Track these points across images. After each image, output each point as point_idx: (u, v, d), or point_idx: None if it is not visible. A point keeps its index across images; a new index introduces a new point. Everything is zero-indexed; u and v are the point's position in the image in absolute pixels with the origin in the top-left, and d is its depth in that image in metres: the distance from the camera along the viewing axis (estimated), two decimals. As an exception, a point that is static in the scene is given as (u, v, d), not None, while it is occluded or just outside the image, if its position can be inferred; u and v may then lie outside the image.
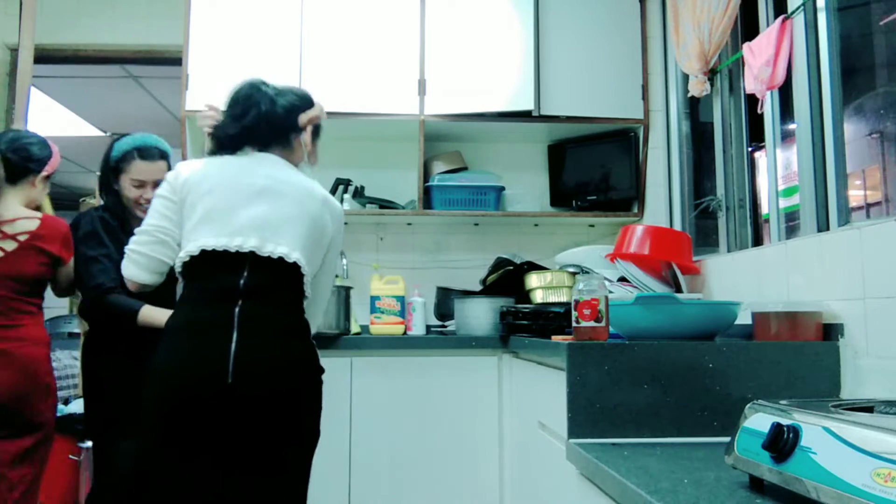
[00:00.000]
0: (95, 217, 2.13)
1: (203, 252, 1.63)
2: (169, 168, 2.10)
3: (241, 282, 1.61)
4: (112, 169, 2.15)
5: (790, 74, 1.90)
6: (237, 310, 1.59)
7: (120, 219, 2.14)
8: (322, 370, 1.72)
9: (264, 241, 1.64)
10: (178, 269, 1.68)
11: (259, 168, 1.74)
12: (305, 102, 1.85)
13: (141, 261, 1.70)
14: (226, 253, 1.62)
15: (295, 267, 1.66)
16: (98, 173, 2.23)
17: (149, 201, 1.98)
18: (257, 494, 1.58)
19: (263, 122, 1.75)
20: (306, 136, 1.85)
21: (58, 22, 3.17)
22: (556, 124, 2.89)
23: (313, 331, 1.82)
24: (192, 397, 1.54)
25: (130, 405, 1.76)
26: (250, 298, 1.61)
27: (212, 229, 1.64)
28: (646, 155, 2.86)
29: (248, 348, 1.57)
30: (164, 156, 2.17)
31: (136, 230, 1.74)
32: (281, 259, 1.64)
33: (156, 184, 2.02)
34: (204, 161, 1.77)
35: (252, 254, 1.63)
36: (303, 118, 1.83)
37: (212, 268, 1.63)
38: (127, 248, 1.74)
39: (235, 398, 1.55)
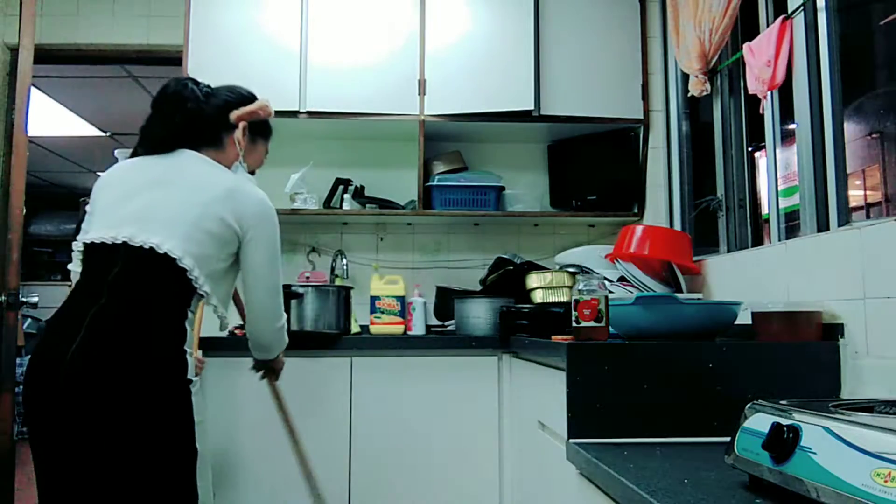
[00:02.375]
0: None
1: (87, 246, 1.58)
2: None
3: (111, 275, 1.51)
4: None
5: (790, 74, 1.90)
6: (96, 306, 1.48)
7: None
8: (186, 381, 1.51)
9: (140, 231, 1.53)
10: (79, 261, 1.62)
11: (164, 161, 1.64)
12: (241, 99, 1.77)
13: (75, 278, 1.66)
14: (104, 245, 1.54)
15: (168, 259, 1.51)
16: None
17: None
18: None
19: (191, 120, 1.67)
20: (238, 134, 1.74)
21: (58, 22, 3.17)
22: (556, 124, 2.88)
23: (262, 338, 1.76)
24: (34, 404, 1.47)
25: None
26: (115, 295, 1.49)
27: (99, 223, 1.59)
28: (646, 155, 2.86)
29: (87, 352, 1.43)
30: None
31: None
32: (152, 250, 1.51)
33: None
34: (125, 162, 1.71)
35: (125, 245, 1.52)
36: (233, 115, 1.74)
37: (93, 262, 1.57)
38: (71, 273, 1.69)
39: (66, 406, 1.43)
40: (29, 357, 1.53)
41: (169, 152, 1.67)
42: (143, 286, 1.51)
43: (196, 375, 1.57)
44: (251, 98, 1.81)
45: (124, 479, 1.45)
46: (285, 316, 1.80)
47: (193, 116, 1.67)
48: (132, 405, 1.44)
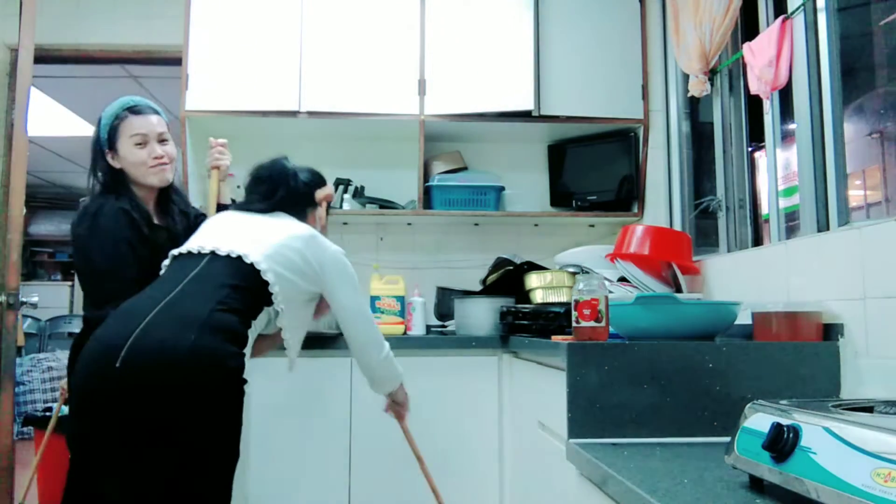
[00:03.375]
0: (119, 212, 1.88)
1: (173, 258, 1.74)
2: (166, 123, 2.02)
3: (191, 274, 1.62)
4: (107, 139, 1.96)
5: (790, 74, 1.90)
6: (165, 300, 1.54)
7: (138, 210, 1.93)
8: (242, 380, 1.54)
9: (227, 245, 1.68)
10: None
11: (259, 215, 1.87)
12: (321, 180, 2.03)
13: None
14: (189, 254, 1.70)
15: (253, 270, 1.64)
16: (90, 157, 2.00)
17: (160, 158, 1.96)
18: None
19: (289, 195, 1.91)
20: (321, 212, 2.00)
21: (58, 22, 3.17)
22: (556, 124, 2.89)
23: (373, 371, 1.90)
24: (88, 384, 1.48)
25: None
26: (189, 288, 1.58)
27: (188, 242, 1.77)
28: (646, 155, 2.86)
29: (150, 334, 1.45)
30: (155, 111, 2.03)
31: None
32: (240, 258, 1.65)
33: (160, 139, 1.97)
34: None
35: (212, 253, 1.67)
36: (319, 195, 2.00)
37: (173, 268, 1.71)
38: None
39: (120, 387, 1.42)
40: (86, 344, 1.53)
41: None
42: (221, 287, 1.59)
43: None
44: (324, 178, 2.06)
45: (166, 466, 1.44)
46: (388, 345, 1.92)
47: (292, 192, 1.92)
48: (185, 394, 1.44)
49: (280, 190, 1.91)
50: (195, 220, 2.10)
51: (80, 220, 1.88)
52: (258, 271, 1.64)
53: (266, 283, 1.65)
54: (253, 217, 1.85)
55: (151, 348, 1.44)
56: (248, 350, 1.63)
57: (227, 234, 1.75)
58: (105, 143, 1.97)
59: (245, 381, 1.55)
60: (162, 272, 1.75)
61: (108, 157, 1.97)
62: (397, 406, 2.10)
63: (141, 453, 1.44)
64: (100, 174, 1.97)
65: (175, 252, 1.74)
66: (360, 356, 1.90)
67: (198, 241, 1.74)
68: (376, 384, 1.97)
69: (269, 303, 1.67)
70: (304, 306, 1.82)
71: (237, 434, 1.53)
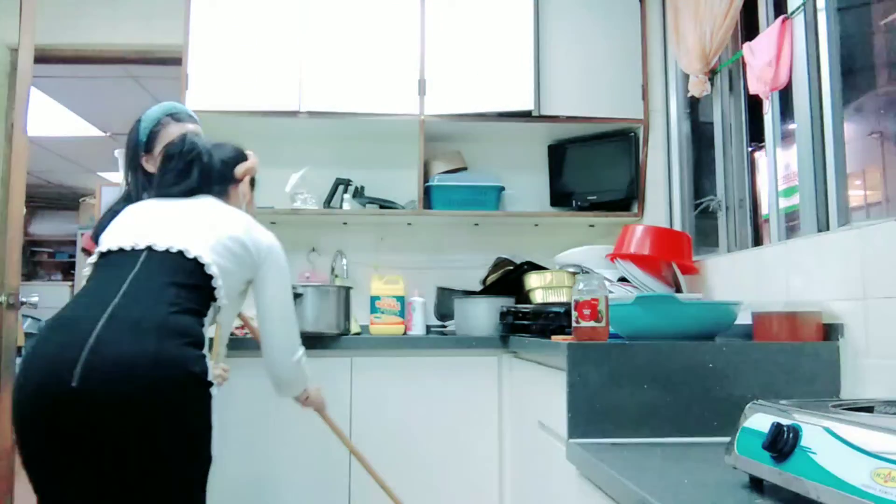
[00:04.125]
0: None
1: (101, 255, 1.58)
2: (201, 132, 2.03)
3: (130, 275, 1.49)
4: (145, 142, 1.97)
5: (790, 74, 1.90)
6: (111, 305, 1.42)
7: None
8: (208, 383, 1.45)
9: (165, 238, 1.55)
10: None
11: (184, 201, 1.73)
12: (240, 154, 1.90)
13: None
14: (121, 251, 1.55)
15: (198, 265, 1.52)
16: (124, 154, 2.02)
17: None
18: None
19: (204, 174, 1.78)
20: (244, 188, 1.89)
21: (58, 22, 3.17)
22: (556, 124, 2.89)
23: (281, 373, 1.77)
24: (39, 404, 1.36)
25: None
26: (133, 293, 1.45)
27: (118, 234, 1.61)
28: (646, 155, 2.86)
29: (105, 345, 1.35)
30: (194, 120, 2.05)
31: None
32: (181, 253, 1.52)
33: None
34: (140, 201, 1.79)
35: (149, 249, 1.54)
36: (239, 170, 1.86)
37: (107, 266, 1.56)
38: None
39: (79, 406, 1.33)
40: (24, 358, 1.42)
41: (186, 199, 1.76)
42: (166, 286, 1.48)
43: (218, 385, 1.55)
44: (244, 153, 1.92)
45: (138, 481, 1.39)
46: (303, 349, 1.82)
47: (206, 170, 1.79)
48: (155, 403, 1.37)
49: (194, 168, 1.77)
50: None
51: (103, 223, 1.84)
52: (202, 265, 1.53)
53: (210, 278, 1.54)
54: (177, 203, 1.71)
55: (110, 361, 1.34)
56: (206, 350, 1.52)
57: (158, 225, 1.61)
58: (143, 146, 1.97)
59: (211, 384, 1.47)
60: (87, 271, 1.59)
61: (143, 160, 1.97)
62: (314, 406, 2.06)
63: (111, 470, 1.37)
64: (131, 176, 1.98)
65: (102, 249, 1.58)
66: (271, 355, 1.76)
67: (128, 237, 1.58)
68: (281, 387, 1.85)
69: (214, 298, 1.56)
70: (239, 298, 1.73)
71: (208, 439, 1.48)
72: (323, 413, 2.11)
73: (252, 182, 1.95)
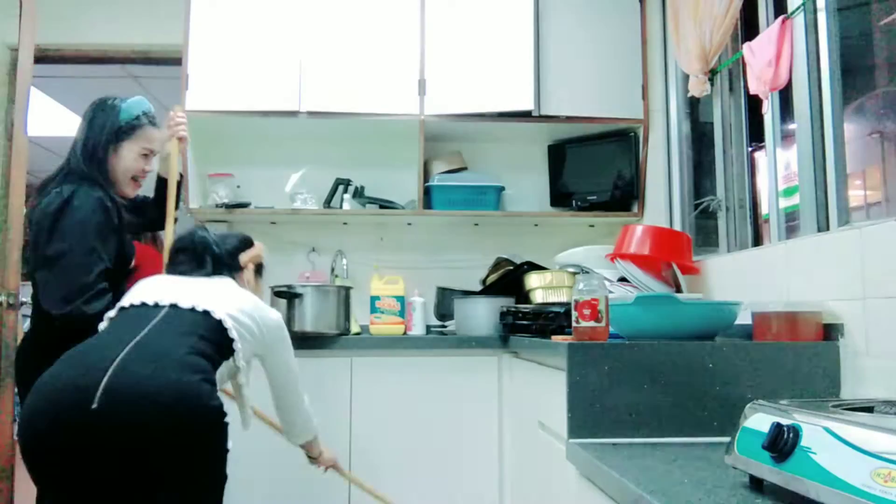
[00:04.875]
0: (96, 201, 1.84)
1: (121, 309, 1.66)
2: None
3: (154, 320, 1.56)
4: (116, 132, 1.94)
5: (790, 74, 1.90)
6: (133, 341, 1.47)
7: (114, 204, 1.90)
8: (223, 414, 1.50)
9: (189, 298, 1.63)
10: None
11: (198, 277, 1.82)
12: (245, 243, 1.99)
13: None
14: (144, 306, 1.63)
15: (220, 326, 1.60)
16: (86, 127, 1.97)
17: (144, 175, 2.01)
18: None
19: (214, 262, 1.85)
20: (248, 275, 1.98)
21: (58, 22, 3.17)
22: (556, 124, 2.89)
23: (295, 418, 1.93)
24: (56, 427, 1.38)
25: None
26: (156, 332, 1.53)
27: (135, 294, 1.68)
28: (646, 155, 2.86)
29: (127, 371, 1.40)
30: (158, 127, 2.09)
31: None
32: (206, 313, 1.61)
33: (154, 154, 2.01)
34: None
35: (172, 305, 1.62)
36: (243, 258, 1.95)
37: (126, 317, 1.62)
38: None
39: (99, 429, 1.35)
40: (37, 384, 1.43)
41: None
42: (186, 332, 1.55)
43: None
44: (251, 241, 2.02)
45: (161, 499, 1.44)
46: (307, 398, 1.96)
47: (217, 258, 1.87)
48: (171, 433, 1.40)
49: (207, 258, 1.85)
50: (141, 203, 2.15)
51: (56, 204, 1.79)
52: (224, 328, 1.61)
53: (231, 340, 1.61)
54: (196, 279, 1.79)
55: (130, 386, 1.38)
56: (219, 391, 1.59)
57: (180, 291, 1.67)
58: (113, 134, 1.95)
59: (226, 415, 1.52)
60: (105, 324, 1.64)
61: (111, 149, 1.96)
62: (321, 462, 2.15)
63: (128, 491, 1.42)
64: (86, 156, 1.94)
65: (125, 304, 1.65)
66: (285, 406, 1.92)
67: (151, 295, 1.65)
68: (294, 433, 2.00)
69: (228, 356, 1.63)
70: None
71: (224, 461, 1.55)
72: (338, 467, 2.20)
73: (259, 269, 2.05)
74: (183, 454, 1.44)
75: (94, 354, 1.46)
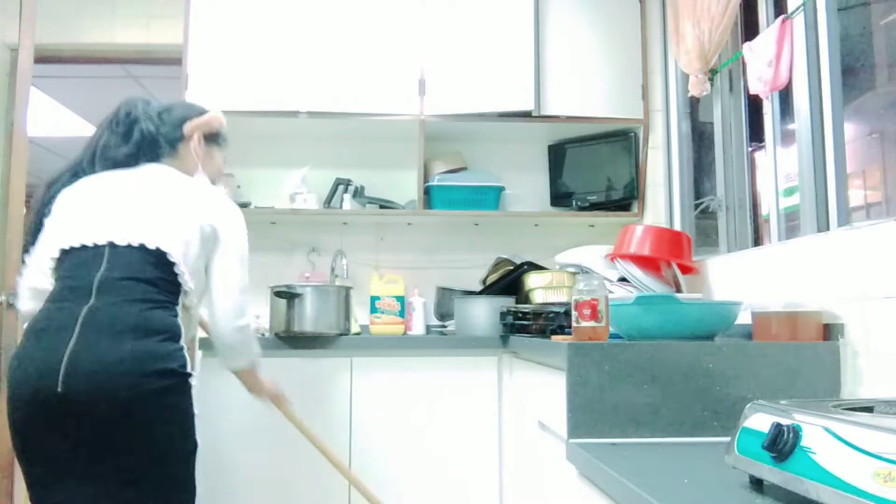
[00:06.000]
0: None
1: (63, 252, 1.58)
2: None
3: (98, 275, 1.52)
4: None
5: (790, 74, 1.90)
6: (85, 308, 1.47)
7: None
8: (187, 374, 1.52)
9: (125, 231, 1.56)
10: (49, 273, 1.60)
11: (132, 174, 1.71)
12: (194, 113, 1.86)
13: (30, 294, 1.65)
14: (84, 248, 1.56)
15: (159, 254, 1.55)
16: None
17: None
18: None
19: (148, 137, 1.75)
20: (195, 144, 1.83)
21: (58, 22, 3.17)
22: (556, 124, 2.89)
23: (224, 337, 1.71)
24: (31, 410, 1.45)
25: None
26: (103, 294, 1.50)
27: (75, 230, 1.60)
28: (646, 155, 2.86)
29: (83, 351, 1.43)
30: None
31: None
32: (143, 247, 1.55)
33: None
34: (91, 177, 1.72)
35: (110, 244, 1.55)
36: (187, 127, 1.83)
37: (73, 266, 1.57)
38: (18, 286, 1.69)
39: (67, 407, 1.41)
40: (8, 374, 1.48)
41: (132, 167, 1.74)
42: (133, 283, 1.53)
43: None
44: (202, 111, 1.88)
45: (128, 475, 1.47)
46: (251, 318, 1.76)
47: (149, 133, 1.76)
48: (134, 400, 1.44)
49: (135, 130, 1.74)
50: None
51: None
52: (163, 253, 1.56)
53: (174, 264, 1.57)
54: (125, 179, 1.68)
55: (90, 365, 1.42)
56: (184, 341, 1.57)
57: (114, 214, 1.60)
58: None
59: (190, 375, 1.53)
60: (52, 266, 1.60)
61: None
62: (269, 396, 1.99)
63: (98, 468, 1.46)
64: None
65: (64, 246, 1.58)
66: (218, 320, 1.71)
67: (87, 230, 1.58)
68: (227, 355, 1.78)
69: (181, 286, 1.59)
70: (204, 272, 1.70)
71: (191, 428, 1.55)
72: (282, 406, 2.04)
73: (213, 138, 1.90)
74: (147, 419, 1.46)
75: (52, 333, 1.47)
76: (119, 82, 4.63)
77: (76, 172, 1.76)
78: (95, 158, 1.75)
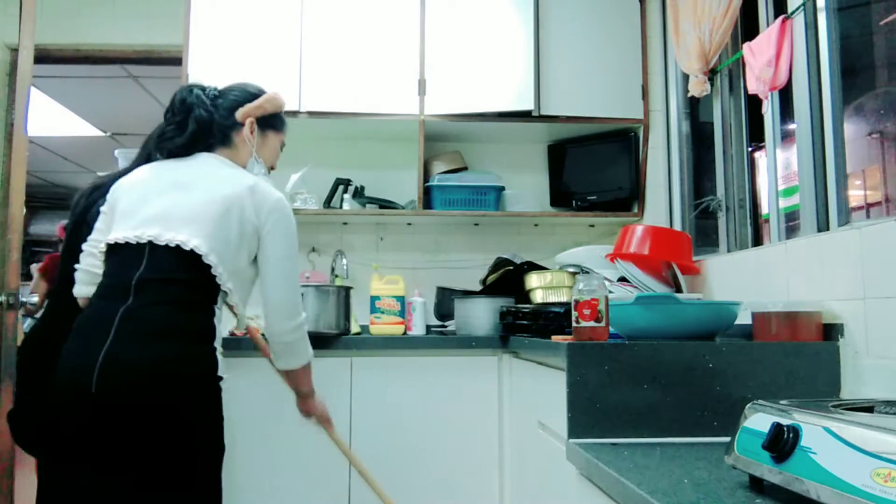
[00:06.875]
0: None
1: (110, 247, 1.61)
2: None
3: (137, 275, 1.53)
4: None
5: (790, 74, 1.90)
6: (123, 308, 1.49)
7: None
8: (216, 378, 1.54)
9: (165, 230, 1.56)
10: (101, 261, 1.65)
11: (183, 165, 1.70)
12: (248, 97, 1.81)
13: (83, 277, 1.70)
14: (128, 245, 1.57)
15: (194, 256, 1.54)
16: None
17: None
18: None
19: (202, 125, 1.73)
20: (246, 131, 1.79)
21: (58, 22, 3.17)
22: (556, 124, 2.89)
23: (281, 337, 1.70)
24: (66, 410, 1.48)
25: None
26: (140, 294, 1.51)
27: (122, 224, 1.62)
28: (646, 155, 2.86)
29: (119, 353, 1.45)
30: None
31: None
32: (178, 248, 1.54)
33: None
34: (146, 166, 1.74)
35: (150, 244, 1.55)
36: (239, 113, 1.78)
37: (117, 263, 1.59)
38: (76, 270, 1.72)
39: (100, 410, 1.44)
40: (60, 361, 1.53)
41: (186, 157, 1.73)
42: (169, 284, 1.54)
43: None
44: (259, 94, 1.83)
45: (156, 481, 1.47)
46: (304, 315, 1.75)
47: (203, 121, 1.73)
48: (165, 404, 1.46)
49: (190, 119, 1.72)
50: None
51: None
52: (198, 255, 1.54)
53: (210, 266, 1.55)
54: (176, 171, 1.68)
55: (121, 368, 1.44)
56: (218, 344, 1.57)
57: (159, 212, 1.60)
58: None
59: (220, 378, 1.55)
60: (102, 259, 1.64)
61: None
62: (309, 413, 1.98)
63: (132, 464, 1.46)
64: None
65: (111, 240, 1.60)
66: (273, 319, 1.69)
67: (131, 227, 1.59)
68: (283, 356, 1.77)
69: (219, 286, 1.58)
70: (250, 269, 1.69)
71: (219, 430, 1.56)
72: (329, 429, 2.04)
73: (267, 122, 1.84)
74: (175, 423, 1.47)
75: (90, 333, 1.50)
76: (119, 82, 4.63)
77: (136, 164, 1.79)
78: (152, 148, 1.77)
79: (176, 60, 2.86)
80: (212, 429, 1.55)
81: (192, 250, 1.54)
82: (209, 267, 1.55)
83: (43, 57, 2.98)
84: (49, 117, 5.47)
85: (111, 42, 3.23)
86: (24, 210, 2.43)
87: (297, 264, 1.73)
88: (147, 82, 4.67)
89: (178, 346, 1.49)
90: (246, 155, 1.80)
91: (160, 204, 1.61)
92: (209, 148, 1.75)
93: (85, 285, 1.69)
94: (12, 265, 2.37)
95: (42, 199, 8.24)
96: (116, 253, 1.60)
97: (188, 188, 1.64)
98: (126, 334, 1.47)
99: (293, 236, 1.71)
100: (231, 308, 1.66)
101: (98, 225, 1.72)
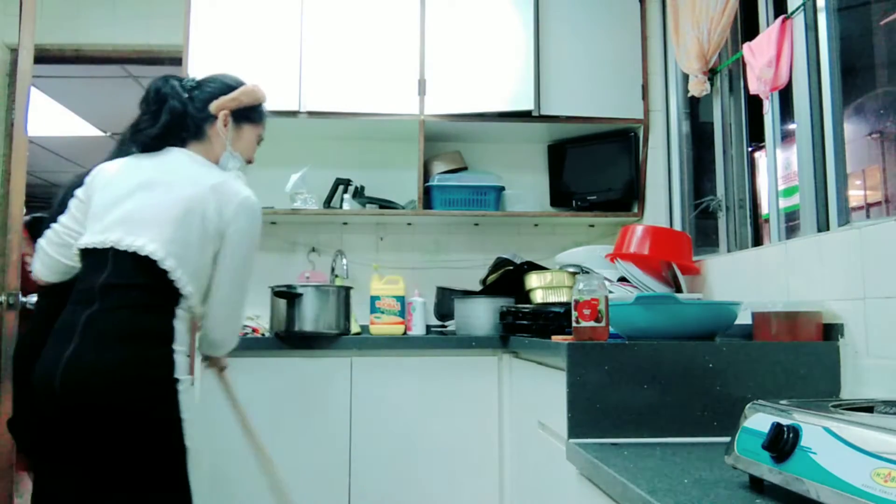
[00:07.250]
0: None
1: (81, 251, 1.64)
2: None
3: (101, 280, 1.56)
4: None
5: (790, 74, 1.90)
6: (88, 312, 1.53)
7: None
8: (174, 381, 1.54)
9: (126, 234, 1.56)
10: (69, 255, 1.70)
11: (152, 161, 1.68)
12: (225, 89, 1.77)
13: (46, 260, 1.73)
14: (95, 250, 1.59)
15: (151, 261, 1.54)
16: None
17: None
18: None
19: (176, 117, 1.70)
20: (220, 124, 1.74)
21: (58, 22, 3.17)
22: (556, 124, 2.89)
23: (216, 333, 1.69)
24: (39, 411, 1.55)
25: None
26: (104, 299, 1.54)
27: (91, 227, 1.63)
28: (646, 155, 2.86)
29: (81, 356, 1.50)
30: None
31: (50, 226, 1.74)
32: (136, 253, 1.54)
33: None
34: (121, 160, 1.73)
35: (113, 249, 1.56)
36: (212, 106, 1.75)
37: (86, 267, 1.62)
38: (37, 244, 1.73)
39: (63, 410, 1.50)
40: (38, 364, 1.58)
41: (158, 150, 1.72)
42: (131, 289, 1.56)
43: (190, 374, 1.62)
44: (236, 86, 1.80)
45: (118, 479, 1.52)
46: (244, 319, 1.81)
47: (177, 113, 1.71)
48: (122, 405, 1.50)
49: (164, 110, 1.69)
50: None
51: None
52: (154, 261, 1.54)
53: (167, 272, 1.55)
54: (144, 170, 1.65)
55: (82, 370, 1.49)
56: (179, 346, 1.58)
57: (123, 216, 1.59)
58: None
59: (176, 381, 1.55)
60: (73, 255, 1.67)
61: None
62: (220, 367, 1.98)
63: (97, 464, 1.52)
64: None
65: (82, 245, 1.62)
66: (215, 317, 1.68)
67: (100, 232, 1.60)
68: (210, 346, 1.76)
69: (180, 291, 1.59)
70: (210, 270, 1.65)
71: (179, 431, 1.56)
72: (226, 378, 2.00)
73: (243, 115, 1.79)
74: (133, 424, 1.50)
75: (61, 335, 1.54)
76: (119, 82, 4.63)
77: (116, 154, 1.79)
78: (127, 139, 1.76)
79: (176, 60, 2.86)
80: (169, 429, 1.55)
81: (146, 256, 1.55)
82: (166, 272, 1.56)
83: (43, 57, 2.98)
84: (49, 117, 5.47)
85: (111, 42, 3.23)
86: (24, 210, 2.43)
87: (251, 270, 1.71)
88: (147, 82, 4.67)
89: (137, 348, 1.52)
90: (220, 148, 1.77)
91: (125, 207, 1.61)
92: (182, 142, 1.73)
93: (47, 269, 1.73)
94: (12, 266, 2.37)
95: (42, 199, 8.25)
96: (86, 257, 1.63)
97: (152, 188, 1.62)
98: (89, 338, 1.51)
99: (256, 238, 1.69)
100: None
101: (72, 210, 1.71)
